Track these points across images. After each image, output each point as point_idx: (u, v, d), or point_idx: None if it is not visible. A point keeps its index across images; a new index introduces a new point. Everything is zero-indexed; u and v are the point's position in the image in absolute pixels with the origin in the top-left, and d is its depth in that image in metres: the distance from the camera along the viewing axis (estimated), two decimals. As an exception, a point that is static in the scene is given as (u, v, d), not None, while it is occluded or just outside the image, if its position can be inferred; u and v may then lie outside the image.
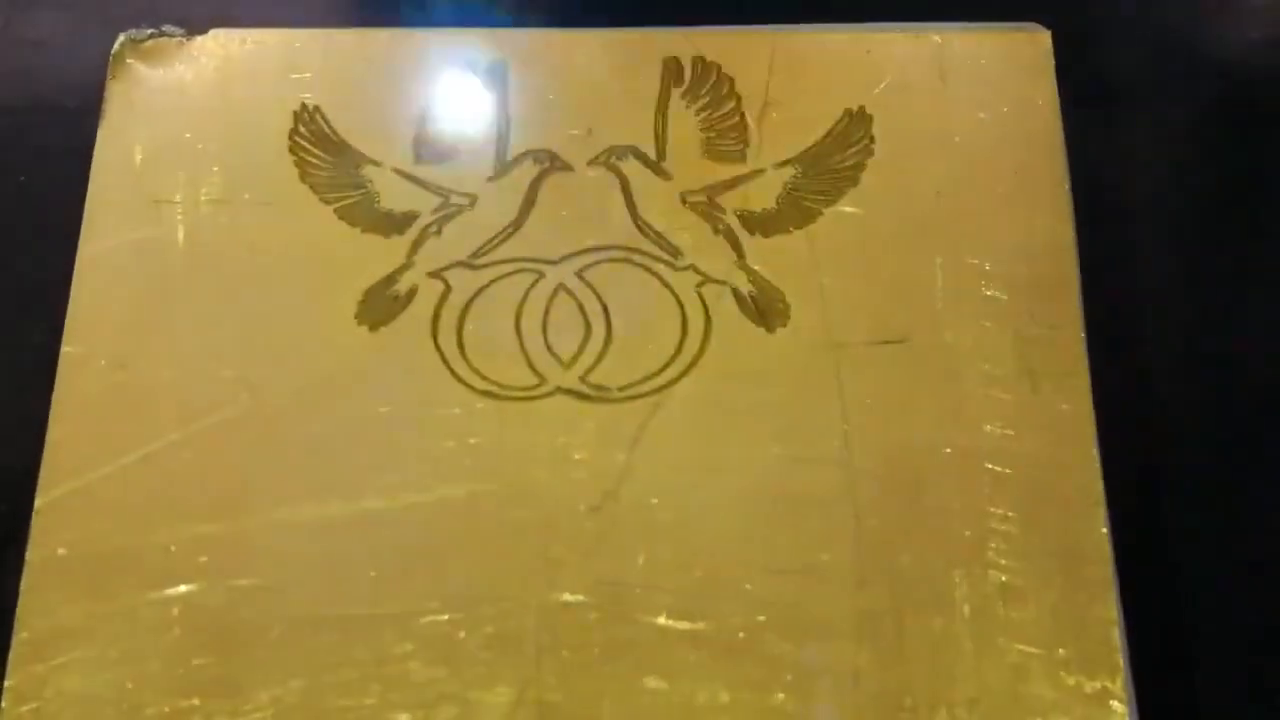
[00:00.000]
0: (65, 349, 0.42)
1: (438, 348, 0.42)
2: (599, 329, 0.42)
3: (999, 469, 0.40)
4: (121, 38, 0.47)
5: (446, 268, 0.43)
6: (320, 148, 0.45)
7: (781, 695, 0.38)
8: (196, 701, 0.38)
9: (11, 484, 0.41)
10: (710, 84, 0.46)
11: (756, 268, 0.43)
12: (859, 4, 0.49)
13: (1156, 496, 0.44)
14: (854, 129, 0.45)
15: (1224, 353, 0.46)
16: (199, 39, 0.47)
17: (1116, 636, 0.38)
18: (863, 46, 0.46)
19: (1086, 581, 0.39)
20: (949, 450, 0.41)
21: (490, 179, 0.45)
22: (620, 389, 0.42)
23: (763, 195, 0.44)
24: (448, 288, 0.43)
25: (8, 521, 0.41)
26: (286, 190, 0.45)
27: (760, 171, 0.45)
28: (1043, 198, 0.44)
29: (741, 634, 0.39)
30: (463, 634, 0.39)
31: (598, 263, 0.43)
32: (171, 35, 0.47)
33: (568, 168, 0.45)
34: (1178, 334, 0.46)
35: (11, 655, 0.39)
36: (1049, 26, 0.46)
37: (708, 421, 0.41)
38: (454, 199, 0.45)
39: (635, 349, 0.42)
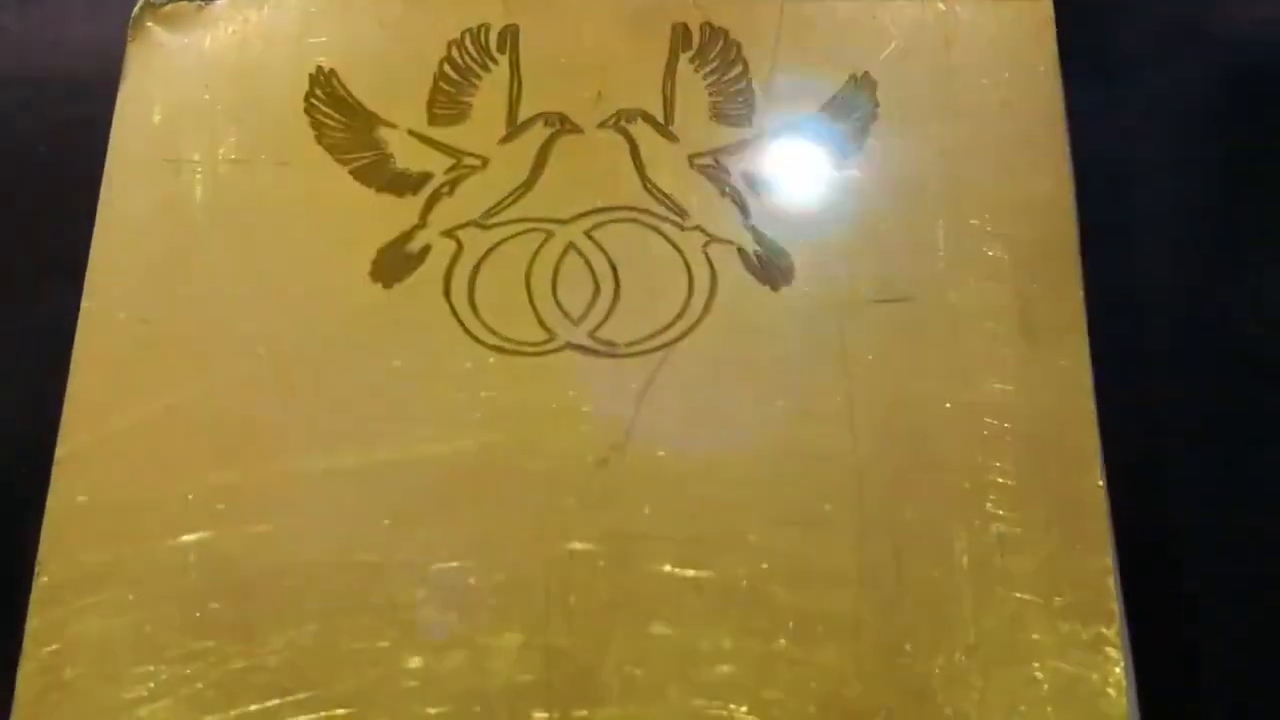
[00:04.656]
0: (85, 304, 0.43)
1: (450, 304, 0.43)
2: (607, 287, 0.43)
3: (998, 424, 0.41)
4: (140, 1, 0.48)
5: (459, 227, 0.44)
6: (336, 110, 0.46)
7: (783, 641, 0.39)
8: (211, 643, 0.39)
9: (35, 446, 0.42)
10: (718, 49, 0.47)
11: (762, 228, 0.44)
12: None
13: (1152, 450, 0.44)
14: (859, 93, 0.46)
15: (1221, 314, 0.47)
16: (217, 3, 0.48)
17: (1111, 585, 0.39)
18: (868, 13, 0.47)
19: (1083, 532, 0.39)
20: (949, 405, 0.41)
21: (502, 141, 0.46)
22: (628, 345, 0.42)
23: (768, 158, 0.45)
24: (460, 246, 0.44)
25: (30, 482, 0.41)
26: (303, 151, 0.45)
27: (766, 134, 0.45)
28: (1043, 161, 0.44)
29: (745, 582, 0.39)
30: (473, 580, 0.39)
31: (607, 223, 0.44)
32: (190, 0, 0.48)
33: (578, 130, 0.45)
34: (1175, 295, 0.47)
35: (33, 599, 0.39)
36: (1051, -5, 0.47)
37: (713, 377, 0.42)
38: (466, 160, 0.45)
39: (643, 306, 0.43)
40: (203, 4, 0.48)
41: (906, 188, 0.44)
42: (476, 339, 0.43)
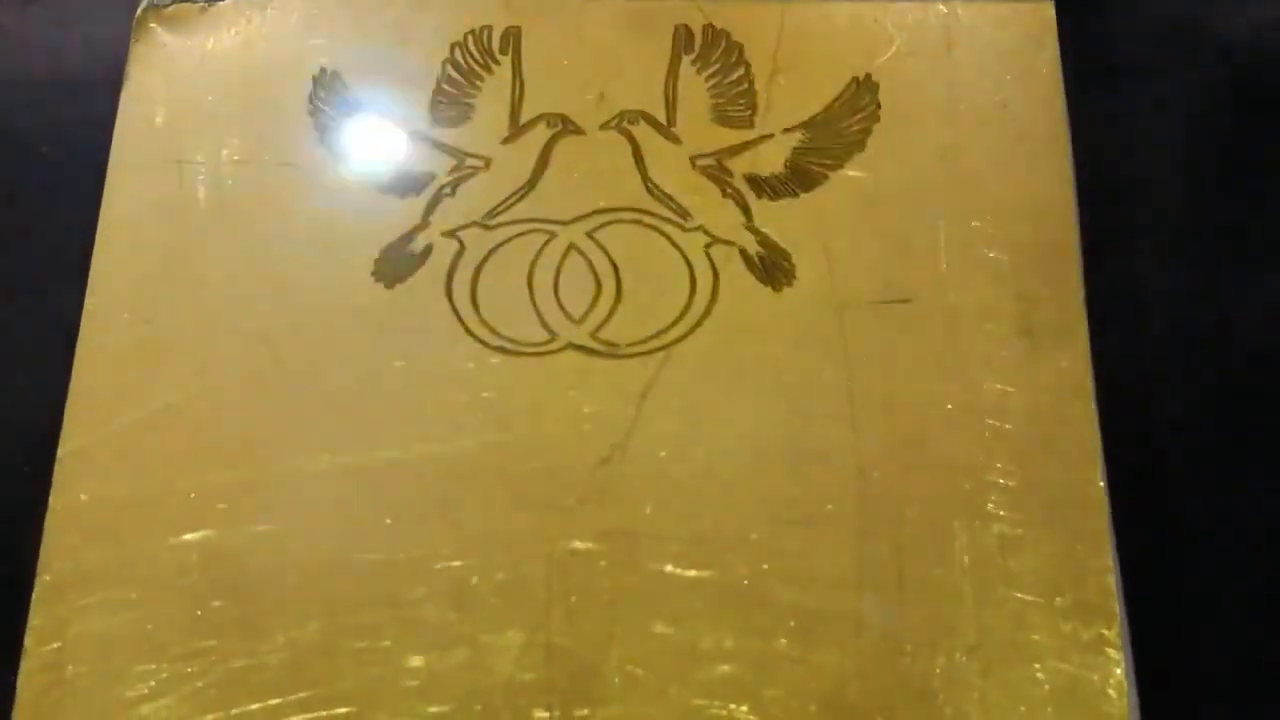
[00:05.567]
0: (88, 304, 0.43)
1: (452, 305, 0.43)
2: (609, 287, 0.43)
3: (999, 424, 0.41)
4: (144, 3, 0.48)
5: (461, 227, 0.44)
6: (338, 111, 0.46)
7: (784, 641, 0.39)
8: (213, 642, 0.39)
9: (38, 445, 0.42)
10: (720, 51, 0.47)
11: (764, 229, 0.44)
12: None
13: (1152, 450, 0.44)
14: (861, 95, 0.46)
15: (1221, 315, 0.47)
16: (220, 4, 0.48)
17: (1112, 585, 0.39)
18: (870, 15, 0.47)
19: (1083, 532, 0.40)
20: (951, 406, 0.41)
21: (504, 142, 0.46)
22: (629, 345, 0.42)
23: (770, 159, 0.45)
24: (462, 247, 0.44)
25: (33, 480, 0.42)
26: (306, 152, 0.46)
27: (768, 136, 0.46)
28: (1044, 163, 0.45)
29: (746, 581, 0.39)
30: (475, 579, 0.40)
31: (609, 223, 0.44)
32: (194, 1, 0.48)
33: (580, 131, 0.46)
34: (1175, 297, 0.47)
35: (35, 597, 0.40)
36: (1053, -2, 0.47)
37: (715, 377, 0.42)
38: (469, 161, 0.45)
39: (644, 307, 0.43)
40: (206, 5, 0.48)
41: (908, 189, 0.44)
42: (478, 339, 0.43)
